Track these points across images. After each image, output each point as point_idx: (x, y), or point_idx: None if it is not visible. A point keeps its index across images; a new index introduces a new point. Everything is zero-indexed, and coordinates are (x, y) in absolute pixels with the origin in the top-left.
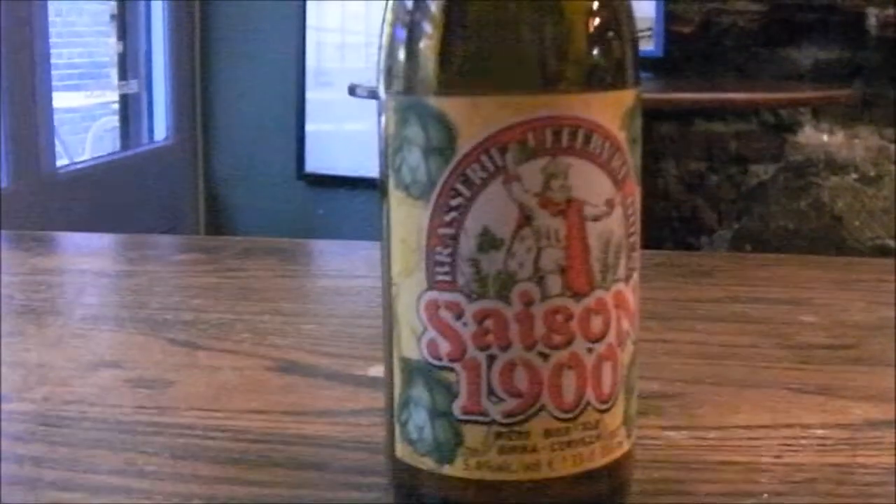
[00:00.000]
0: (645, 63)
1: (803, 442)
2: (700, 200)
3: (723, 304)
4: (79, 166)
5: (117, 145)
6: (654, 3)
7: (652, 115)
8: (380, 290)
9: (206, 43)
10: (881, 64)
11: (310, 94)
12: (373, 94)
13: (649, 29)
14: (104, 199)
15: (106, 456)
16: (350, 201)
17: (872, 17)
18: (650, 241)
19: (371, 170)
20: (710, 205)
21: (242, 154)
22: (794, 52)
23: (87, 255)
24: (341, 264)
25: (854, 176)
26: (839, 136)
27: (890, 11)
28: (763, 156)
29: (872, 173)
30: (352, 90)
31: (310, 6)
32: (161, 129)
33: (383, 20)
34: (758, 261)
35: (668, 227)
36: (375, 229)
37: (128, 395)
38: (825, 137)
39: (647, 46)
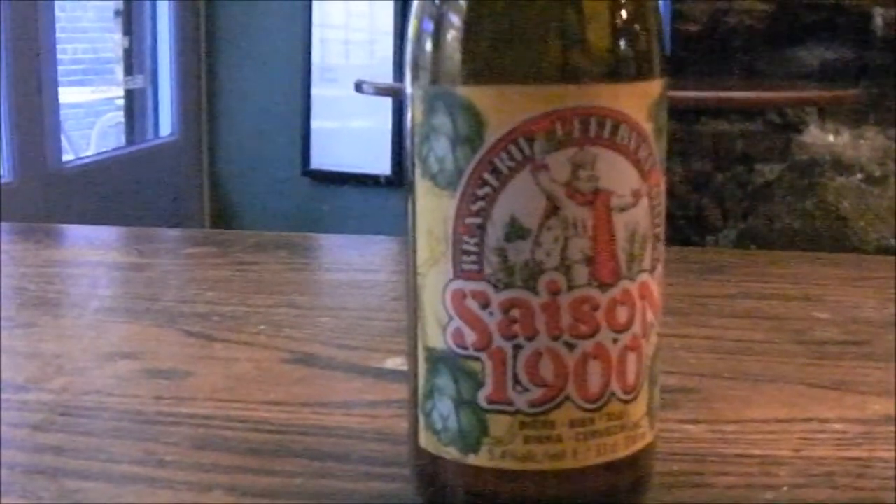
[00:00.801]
0: None
1: (821, 436)
2: (705, 199)
3: (736, 300)
4: (84, 161)
5: (122, 141)
6: (661, 1)
7: None
8: (393, 284)
9: (212, 39)
10: (887, 64)
11: (315, 91)
12: (379, 91)
13: None
14: (109, 194)
15: (126, 446)
16: (354, 197)
17: (879, 17)
18: None
19: (375, 166)
20: (716, 204)
21: (247, 150)
22: (800, 51)
23: (98, 247)
24: (353, 258)
25: (859, 176)
26: (845, 136)
27: None
28: (769, 155)
29: (878, 173)
30: (358, 87)
31: (315, 3)
32: (166, 124)
33: (410, 14)
34: (769, 257)
35: (673, 225)
36: (379, 225)
37: (146, 386)
38: (831, 137)
39: None
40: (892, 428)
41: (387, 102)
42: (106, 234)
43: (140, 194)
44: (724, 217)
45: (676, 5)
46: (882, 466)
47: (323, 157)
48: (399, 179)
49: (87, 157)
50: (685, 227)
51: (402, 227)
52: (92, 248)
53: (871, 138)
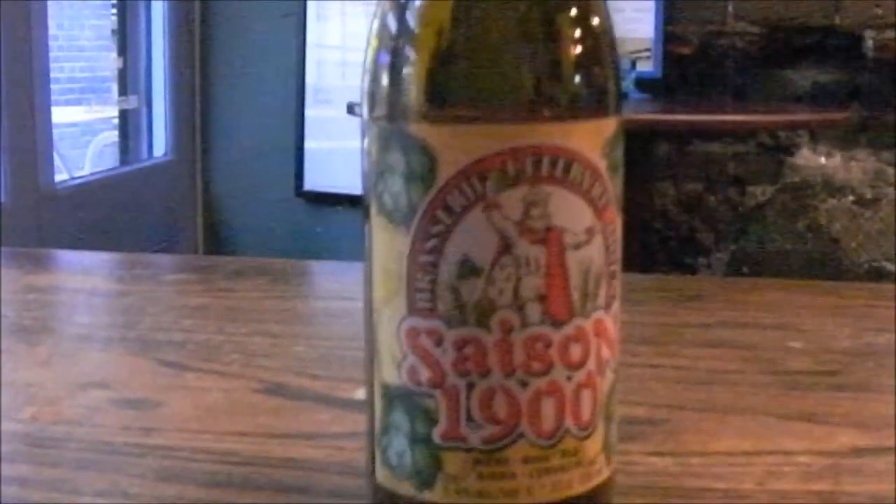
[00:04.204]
0: (643, 84)
1: (787, 469)
2: (697, 221)
3: (711, 329)
4: (78, 182)
5: (117, 161)
6: (652, 23)
7: (650, 135)
8: None
9: (206, 59)
10: (879, 86)
11: (309, 112)
12: None
13: (648, 50)
14: (103, 214)
15: (91, 478)
16: (348, 218)
17: (869, 39)
18: (647, 262)
19: None
20: (708, 226)
21: (241, 171)
22: (792, 74)
23: (80, 273)
24: (332, 285)
25: (851, 198)
26: (837, 159)
27: (887, 34)
28: (761, 177)
29: (870, 196)
30: (350, 109)
31: (310, 24)
32: (160, 145)
33: (367, 43)
34: (747, 285)
35: (665, 247)
36: None
37: (115, 416)
38: (823, 160)
39: (646, 67)
40: (859, 461)
41: None
42: (89, 259)
43: (134, 215)
44: (716, 239)
45: (668, 27)
46: (847, 500)
47: (317, 179)
48: None
49: (81, 177)
50: (677, 249)
51: None
52: (73, 273)
53: (862, 160)
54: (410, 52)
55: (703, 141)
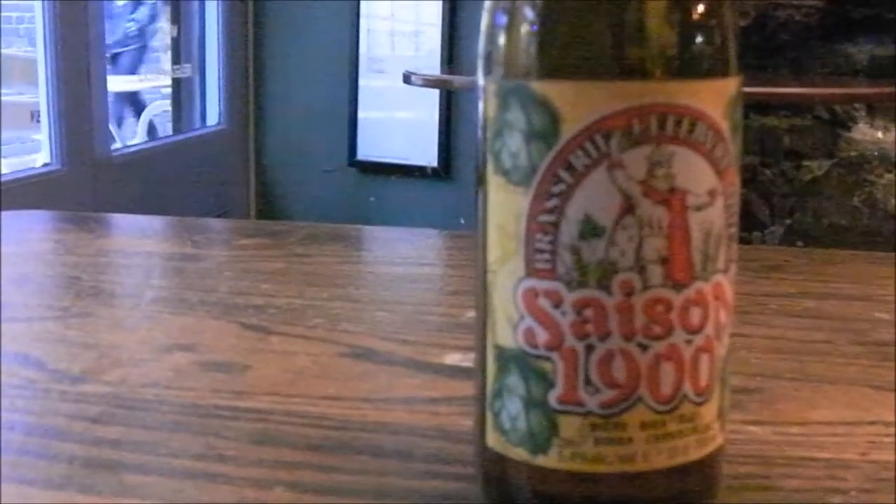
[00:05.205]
0: None
1: (887, 439)
2: (752, 195)
3: (795, 299)
4: (131, 150)
5: (169, 130)
6: None
7: None
8: (449, 279)
9: (260, 28)
10: None
11: (362, 81)
12: (427, 83)
13: None
14: (156, 183)
15: (185, 439)
16: (400, 188)
17: None
18: None
19: (422, 157)
20: (763, 199)
21: (294, 140)
22: (850, 47)
23: (151, 237)
24: (407, 252)
25: None
26: (894, 133)
27: None
28: (817, 151)
29: None
30: (406, 78)
31: None
32: (213, 113)
33: (483, 7)
34: (827, 256)
35: None
36: (425, 216)
37: (203, 379)
38: (880, 134)
39: None
40: None
41: (434, 93)
42: (158, 223)
43: (186, 183)
44: (771, 213)
45: None
46: None
47: (369, 148)
48: (446, 171)
49: (135, 145)
50: None
51: (448, 219)
52: (144, 237)
53: None
54: (531, 10)
55: (759, 114)
